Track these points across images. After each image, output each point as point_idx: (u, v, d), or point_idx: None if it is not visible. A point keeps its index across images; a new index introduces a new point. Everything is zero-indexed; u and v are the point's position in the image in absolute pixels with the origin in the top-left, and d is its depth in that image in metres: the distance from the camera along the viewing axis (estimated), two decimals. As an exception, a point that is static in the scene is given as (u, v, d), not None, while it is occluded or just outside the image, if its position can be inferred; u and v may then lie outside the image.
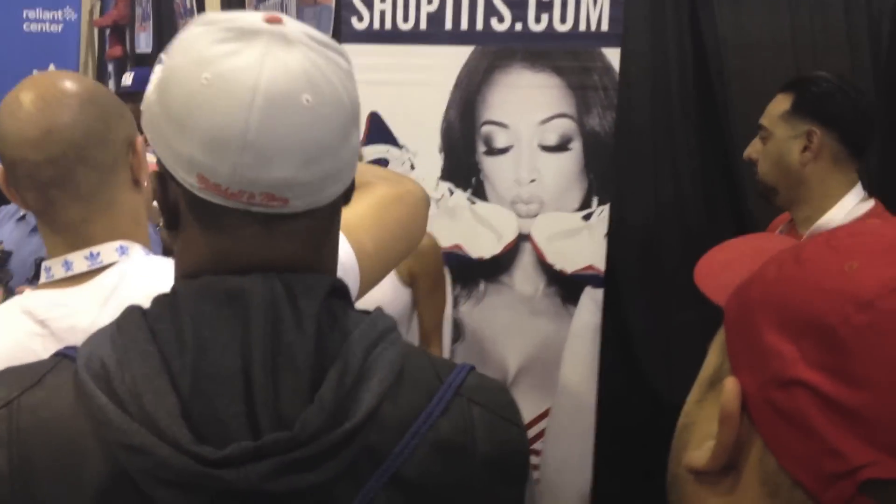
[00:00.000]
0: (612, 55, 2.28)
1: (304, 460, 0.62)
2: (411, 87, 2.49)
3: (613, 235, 2.38)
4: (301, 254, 0.71)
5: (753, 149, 1.95)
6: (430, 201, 1.22)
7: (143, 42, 4.52)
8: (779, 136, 1.88)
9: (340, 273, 0.99)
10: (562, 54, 2.31)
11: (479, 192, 2.49)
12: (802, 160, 1.84)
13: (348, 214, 1.06)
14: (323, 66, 0.67)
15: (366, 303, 2.12)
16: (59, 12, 5.88)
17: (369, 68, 2.49)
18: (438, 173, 2.52)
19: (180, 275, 0.72)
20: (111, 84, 4.99)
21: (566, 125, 2.36)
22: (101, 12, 5.48)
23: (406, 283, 2.24)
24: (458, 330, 2.54)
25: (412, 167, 2.54)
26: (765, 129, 1.91)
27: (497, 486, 0.72)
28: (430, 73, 2.47)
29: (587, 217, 2.39)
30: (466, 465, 0.70)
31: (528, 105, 2.38)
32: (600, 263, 2.39)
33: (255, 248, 0.69)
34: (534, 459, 2.44)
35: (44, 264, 1.04)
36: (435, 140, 2.50)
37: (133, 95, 3.86)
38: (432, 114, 2.49)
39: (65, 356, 0.70)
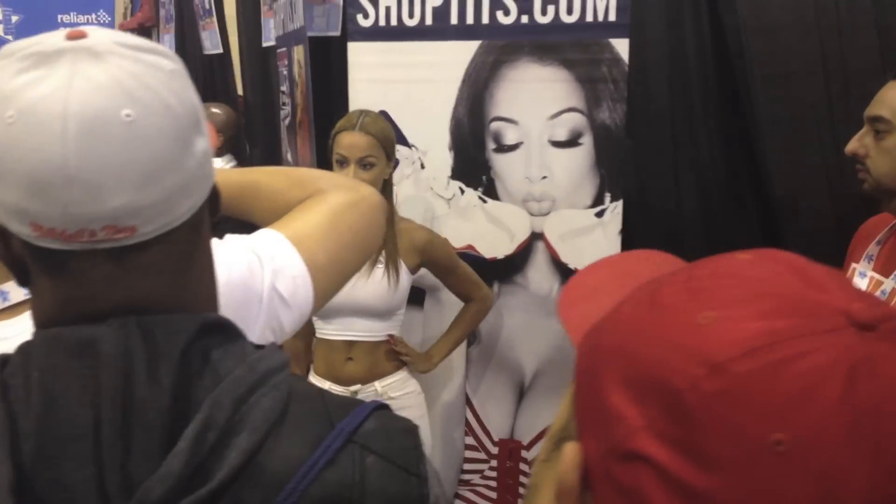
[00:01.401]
0: (621, 46, 2.19)
1: None
2: (419, 84, 2.44)
3: (628, 232, 2.30)
4: (163, 288, 0.65)
5: (860, 143, 1.62)
6: (385, 208, 1.17)
7: (168, 44, 4.54)
8: None
9: (290, 287, 0.94)
10: (570, 47, 2.23)
11: (490, 191, 2.42)
12: None
13: (299, 225, 1.01)
14: (141, 73, 0.60)
15: (373, 292, 2.07)
16: (93, 16, 5.94)
17: (376, 66, 2.45)
18: (449, 172, 2.46)
19: (36, 325, 0.66)
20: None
21: (576, 119, 2.28)
22: (132, 15, 5.53)
23: (412, 273, 2.26)
24: (474, 333, 2.48)
25: (422, 166, 2.48)
26: (884, 121, 1.57)
27: None
28: (437, 70, 2.41)
29: (600, 214, 2.31)
30: None
31: (537, 100, 2.31)
32: (615, 261, 2.31)
33: (109, 289, 0.63)
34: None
35: None
36: (444, 138, 2.45)
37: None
38: (441, 111, 2.43)
39: None
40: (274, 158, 3.25)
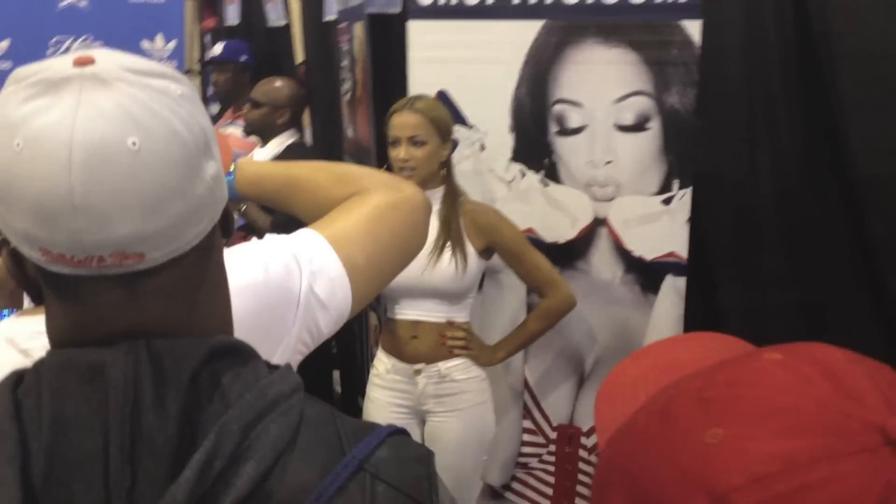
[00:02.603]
0: (693, 28, 2.09)
1: None
2: (479, 64, 2.37)
3: (697, 220, 2.21)
4: (173, 312, 0.64)
5: None
6: (431, 206, 1.15)
7: (232, 14, 4.53)
8: None
9: (327, 289, 0.94)
10: (637, 28, 2.14)
11: (552, 174, 2.36)
12: None
13: (339, 226, 1.01)
14: (147, 100, 0.60)
15: (440, 274, 2.05)
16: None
17: (436, 45, 2.39)
18: (509, 154, 2.40)
19: (51, 344, 0.66)
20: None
21: (643, 103, 2.19)
22: (199, -17, 5.54)
23: (483, 258, 2.24)
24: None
25: (482, 147, 2.43)
26: None
27: None
28: (498, 50, 2.34)
29: (667, 201, 2.23)
30: None
31: (603, 82, 2.23)
32: (682, 250, 2.23)
33: (118, 313, 0.63)
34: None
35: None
36: (505, 119, 2.38)
37: (221, 65, 3.90)
38: (502, 92, 2.36)
39: None
40: (334, 134, 3.23)
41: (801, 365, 0.40)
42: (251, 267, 0.90)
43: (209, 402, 0.62)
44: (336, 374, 3.51)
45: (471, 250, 2.19)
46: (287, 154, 3.22)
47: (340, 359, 3.38)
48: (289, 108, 3.30)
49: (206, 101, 5.13)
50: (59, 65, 0.60)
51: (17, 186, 0.58)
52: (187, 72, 5.60)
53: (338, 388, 3.56)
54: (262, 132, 3.31)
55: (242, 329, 0.84)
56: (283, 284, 0.91)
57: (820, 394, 0.37)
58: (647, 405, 0.44)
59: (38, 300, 0.66)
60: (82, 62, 0.60)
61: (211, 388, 0.62)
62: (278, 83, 3.35)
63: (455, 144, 2.41)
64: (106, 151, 0.57)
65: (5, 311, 1.31)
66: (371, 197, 1.04)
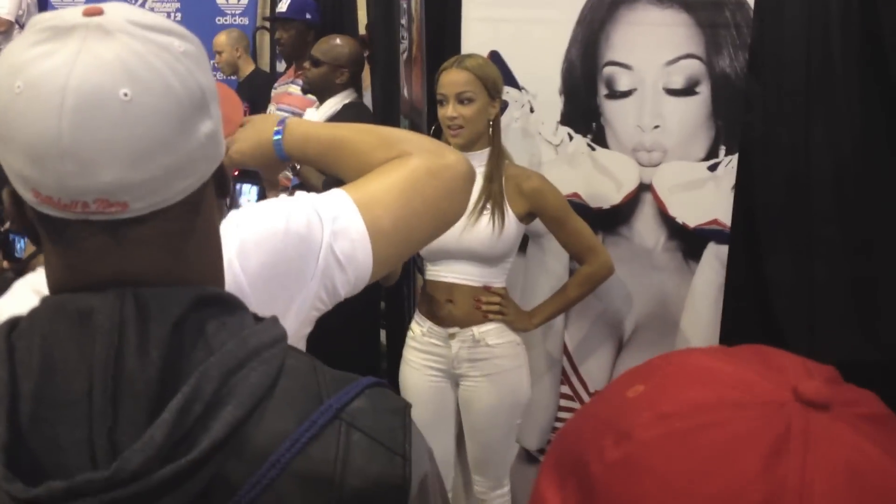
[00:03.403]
0: (747, -12, 2.03)
1: (127, 499, 0.58)
2: (531, 23, 2.36)
3: (743, 187, 2.17)
4: (158, 262, 0.66)
5: None
6: (475, 176, 1.12)
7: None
8: None
9: (347, 250, 0.93)
10: (691, -12, 2.09)
11: (600, 138, 2.34)
12: None
13: (371, 188, 0.99)
14: (146, 53, 0.61)
15: (476, 236, 2.04)
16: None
17: (490, 4, 2.39)
18: (558, 117, 2.38)
19: (49, 290, 0.69)
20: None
21: (694, 67, 2.15)
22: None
23: (524, 222, 2.23)
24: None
25: (531, 110, 2.42)
26: None
27: None
28: (551, 9, 2.32)
29: (713, 168, 2.19)
30: (329, 500, 0.63)
31: (654, 45, 2.19)
32: (726, 218, 2.19)
33: (104, 260, 0.65)
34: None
35: None
36: (555, 81, 2.37)
37: (286, 22, 3.93)
38: (553, 53, 2.35)
39: None
40: (393, 95, 3.25)
41: (744, 352, 0.40)
42: (274, 219, 0.91)
43: (192, 348, 0.63)
44: (382, 333, 3.55)
45: (510, 214, 2.18)
46: (343, 113, 3.24)
47: (387, 316, 3.42)
48: (348, 67, 3.32)
49: (275, 57, 5.21)
50: (70, 14, 0.62)
51: (13, 128, 0.61)
52: (257, 28, 5.69)
53: (384, 345, 3.61)
54: (321, 91, 3.33)
55: (260, 280, 0.86)
56: (304, 240, 0.92)
57: (747, 367, 0.38)
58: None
59: (35, 242, 0.69)
60: (91, 13, 0.62)
61: (195, 335, 0.64)
62: (338, 41, 3.37)
63: (505, 106, 2.41)
64: (97, 99, 0.59)
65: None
66: (409, 162, 1.03)
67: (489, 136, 2.20)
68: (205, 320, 0.65)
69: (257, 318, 0.69)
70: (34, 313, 0.66)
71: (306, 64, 3.39)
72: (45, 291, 0.98)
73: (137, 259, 0.65)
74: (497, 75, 2.20)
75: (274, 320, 0.69)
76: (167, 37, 0.63)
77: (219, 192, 0.71)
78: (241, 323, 0.67)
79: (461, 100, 2.13)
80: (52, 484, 0.58)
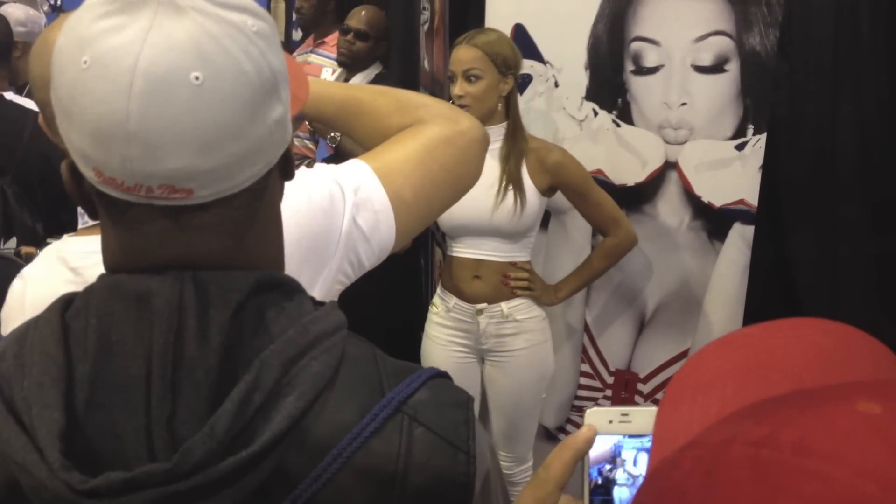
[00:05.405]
0: (780, -36, 1.99)
1: (188, 492, 0.56)
2: (558, -3, 2.32)
3: (770, 167, 2.14)
4: (219, 248, 0.63)
5: None
6: (489, 140, 1.12)
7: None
8: None
9: (371, 221, 0.93)
10: (722, -37, 2.05)
11: (625, 115, 2.31)
12: None
13: (390, 157, 1.00)
14: (219, 34, 0.58)
15: (498, 212, 2.01)
16: None
17: (515, -24, 2.34)
18: (583, 93, 2.35)
19: (105, 268, 0.66)
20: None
21: (723, 44, 2.11)
22: None
23: (546, 195, 2.21)
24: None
25: (556, 84, 2.39)
26: None
27: None
28: (579, -18, 2.28)
29: (740, 147, 2.16)
30: (391, 496, 0.62)
31: (683, 21, 2.15)
32: (752, 198, 2.17)
33: (165, 243, 0.62)
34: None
35: (80, 209, 1.01)
36: (581, 56, 2.33)
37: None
38: (579, 27, 2.31)
39: None
40: (412, 65, 3.21)
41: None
42: (295, 194, 0.89)
43: (252, 335, 0.61)
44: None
45: (531, 189, 2.16)
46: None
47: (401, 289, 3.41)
48: (386, 40, 3.28)
49: (290, 25, 5.15)
50: None
51: (79, 104, 0.58)
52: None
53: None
54: (358, 65, 3.27)
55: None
56: (327, 213, 0.90)
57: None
58: (699, 442, 0.36)
59: (93, 216, 0.67)
60: None
61: (255, 322, 0.62)
62: (363, 12, 3.32)
63: (529, 80, 2.38)
64: (167, 83, 0.57)
65: None
66: (426, 129, 1.02)
67: (502, 112, 2.17)
68: (265, 306, 0.63)
69: (315, 303, 0.67)
70: (89, 292, 0.63)
71: (349, 37, 3.26)
72: (71, 259, 0.97)
73: (198, 244, 0.63)
74: (510, 51, 2.15)
75: (333, 305, 0.67)
76: (241, 14, 0.60)
77: (283, 175, 0.69)
78: (301, 308, 0.65)
79: (468, 77, 2.11)
80: (111, 475, 0.56)
